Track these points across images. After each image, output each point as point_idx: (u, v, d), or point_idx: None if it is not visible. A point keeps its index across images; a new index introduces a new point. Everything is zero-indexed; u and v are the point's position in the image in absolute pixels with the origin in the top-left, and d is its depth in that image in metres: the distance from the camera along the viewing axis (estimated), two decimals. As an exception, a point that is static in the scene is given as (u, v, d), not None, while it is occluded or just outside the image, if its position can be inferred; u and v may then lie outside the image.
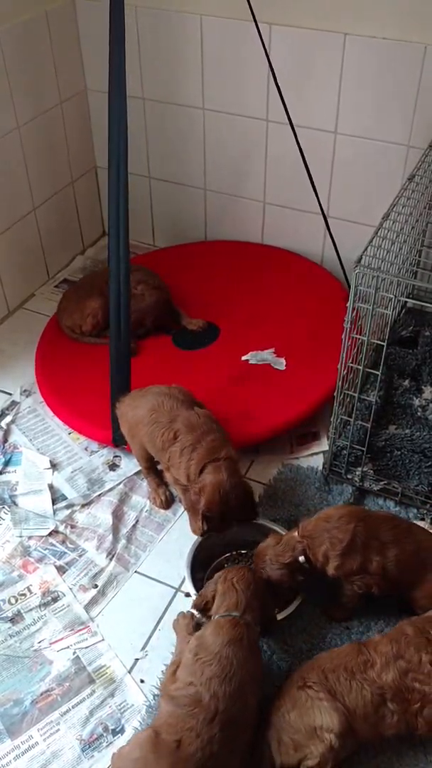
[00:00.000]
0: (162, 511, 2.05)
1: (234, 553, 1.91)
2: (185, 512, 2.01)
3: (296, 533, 1.70)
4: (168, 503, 2.06)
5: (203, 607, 1.63)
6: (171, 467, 1.89)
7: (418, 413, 2.18)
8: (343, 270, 2.60)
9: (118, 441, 2.13)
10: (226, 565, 1.89)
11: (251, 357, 2.35)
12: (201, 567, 1.85)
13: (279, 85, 2.27)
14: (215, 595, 1.60)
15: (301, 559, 1.66)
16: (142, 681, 1.69)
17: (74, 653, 1.73)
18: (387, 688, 1.44)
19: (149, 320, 2.46)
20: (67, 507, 2.05)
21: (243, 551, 1.91)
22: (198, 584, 1.76)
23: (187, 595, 1.83)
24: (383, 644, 1.50)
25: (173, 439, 1.86)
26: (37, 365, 2.42)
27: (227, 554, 1.91)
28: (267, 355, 2.35)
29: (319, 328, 2.44)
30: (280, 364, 2.32)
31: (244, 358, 2.34)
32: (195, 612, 1.66)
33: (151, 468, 2.05)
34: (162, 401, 1.93)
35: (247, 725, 1.45)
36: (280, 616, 1.69)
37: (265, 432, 2.14)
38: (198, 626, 1.65)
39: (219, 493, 1.77)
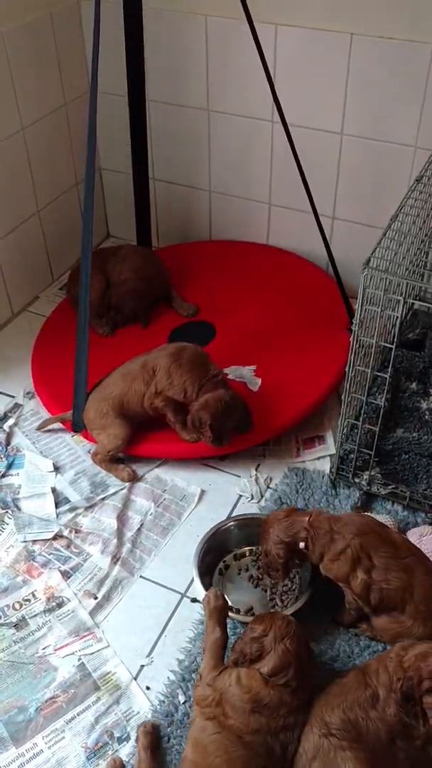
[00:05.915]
0: (164, 512, 2.05)
1: (238, 552, 1.89)
2: (190, 516, 2.01)
3: (306, 518, 1.68)
4: (135, 473, 2.13)
5: (241, 662, 1.50)
6: (161, 391, 2.06)
7: (426, 416, 2.16)
8: (336, 271, 2.53)
9: (77, 427, 2.18)
10: (227, 564, 1.88)
11: (231, 372, 2.30)
12: (206, 571, 1.82)
13: (273, 83, 2.22)
14: (258, 652, 1.47)
15: (302, 545, 1.66)
16: (147, 688, 1.66)
17: (79, 660, 1.72)
18: (393, 723, 1.38)
19: (127, 306, 2.55)
20: (71, 510, 2.03)
21: (251, 548, 1.90)
22: (205, 588, 1.74)
23: (194, 600, 1.81)
24: (383, 672, 1.42)
25: (153, 373, 2.08)
26: (33, 367, 2.41)
27: (232, 552, 1.89)
28: (246, 372, 2.31)
29: (310, 349, 2.38)
30: (255, 384, 2.27)
31: (225, 370, 2.26)
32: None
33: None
34: (124, 370, 2.14)
35: None
36: (288, 611, 1.67)
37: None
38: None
39: (222, 405, 2.01)
